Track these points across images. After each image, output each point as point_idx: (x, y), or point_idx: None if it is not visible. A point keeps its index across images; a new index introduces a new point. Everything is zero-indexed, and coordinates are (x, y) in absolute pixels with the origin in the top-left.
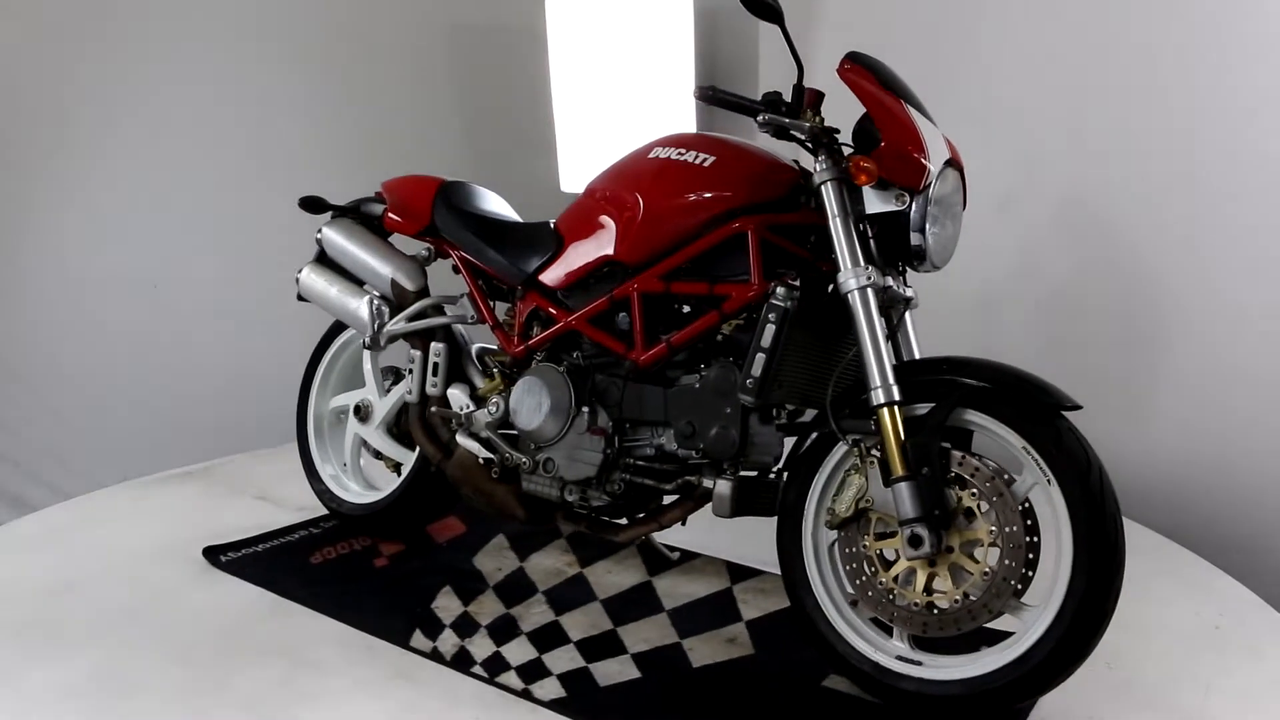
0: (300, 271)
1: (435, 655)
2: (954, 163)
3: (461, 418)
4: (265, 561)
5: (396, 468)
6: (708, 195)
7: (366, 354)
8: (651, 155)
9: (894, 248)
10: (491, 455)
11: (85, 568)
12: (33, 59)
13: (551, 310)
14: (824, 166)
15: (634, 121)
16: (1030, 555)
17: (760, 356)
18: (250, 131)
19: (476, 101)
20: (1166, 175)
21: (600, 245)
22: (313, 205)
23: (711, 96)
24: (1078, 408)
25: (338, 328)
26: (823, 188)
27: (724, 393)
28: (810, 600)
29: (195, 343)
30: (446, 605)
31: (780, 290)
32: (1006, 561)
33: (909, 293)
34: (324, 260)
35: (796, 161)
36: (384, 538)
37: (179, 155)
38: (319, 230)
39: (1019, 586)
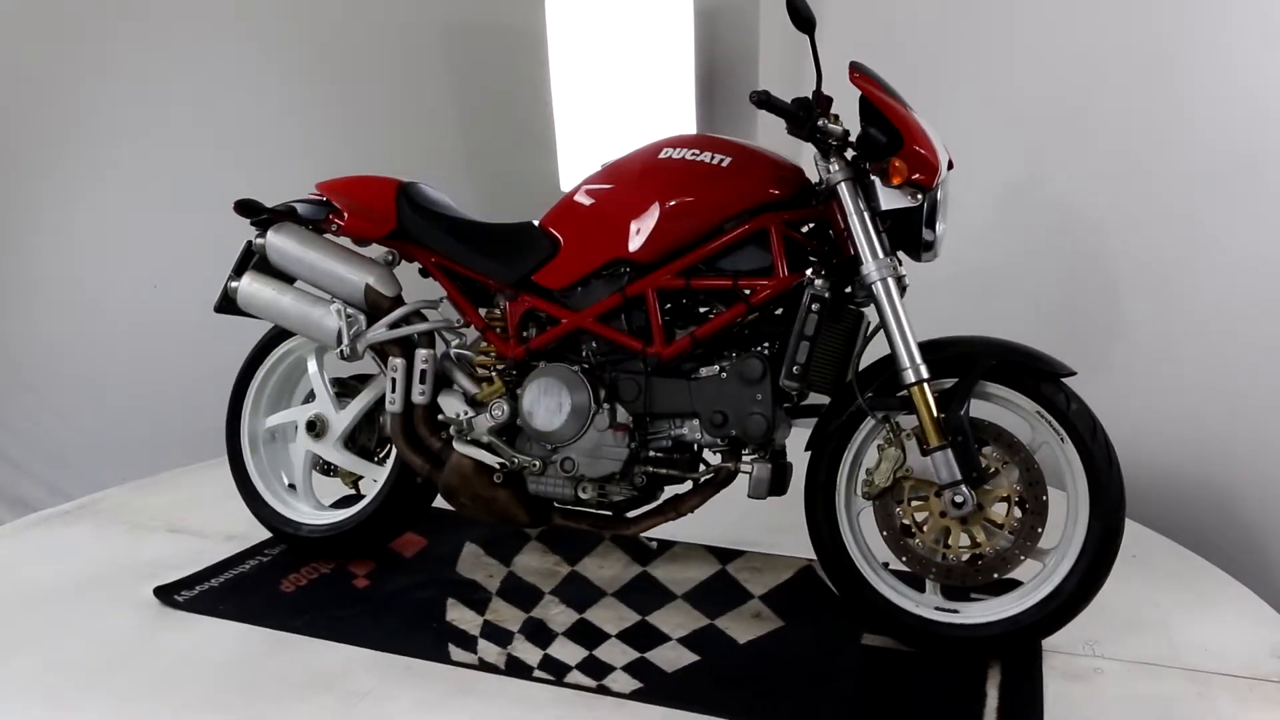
0: (237, 281)
1: (486, 666)
2: (950, 163)
3: (463, 424)
4: (229, 596)
5: (355, 484)
6: (728, 194)
7: (313, 367)
8: (662, 156)
9: (898, 240)
10: (500, 460)
11: (15, 623)
12: (35, 64)
13: (551, 311)
14: (838, 167)
15: (634, 121)
16: None
17: (805, 344)
18: (250, 133)
19: (476, 101)
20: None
21: (609, 244)
22: (250, 209)
23: (765, 102)
24: (1073, 374)
25: (273, 341)
26: (840, 187)
27: (753, 381)
28: (851, 569)
29: (195, 343)
30: (462, 617)
31: (819, 281)
32: (1030, 511)
33: (907, 281)
34: (262, 268)
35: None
36: (345, 558)
37: (179, 157)
38: (258, 235)
39: (1040, 532)
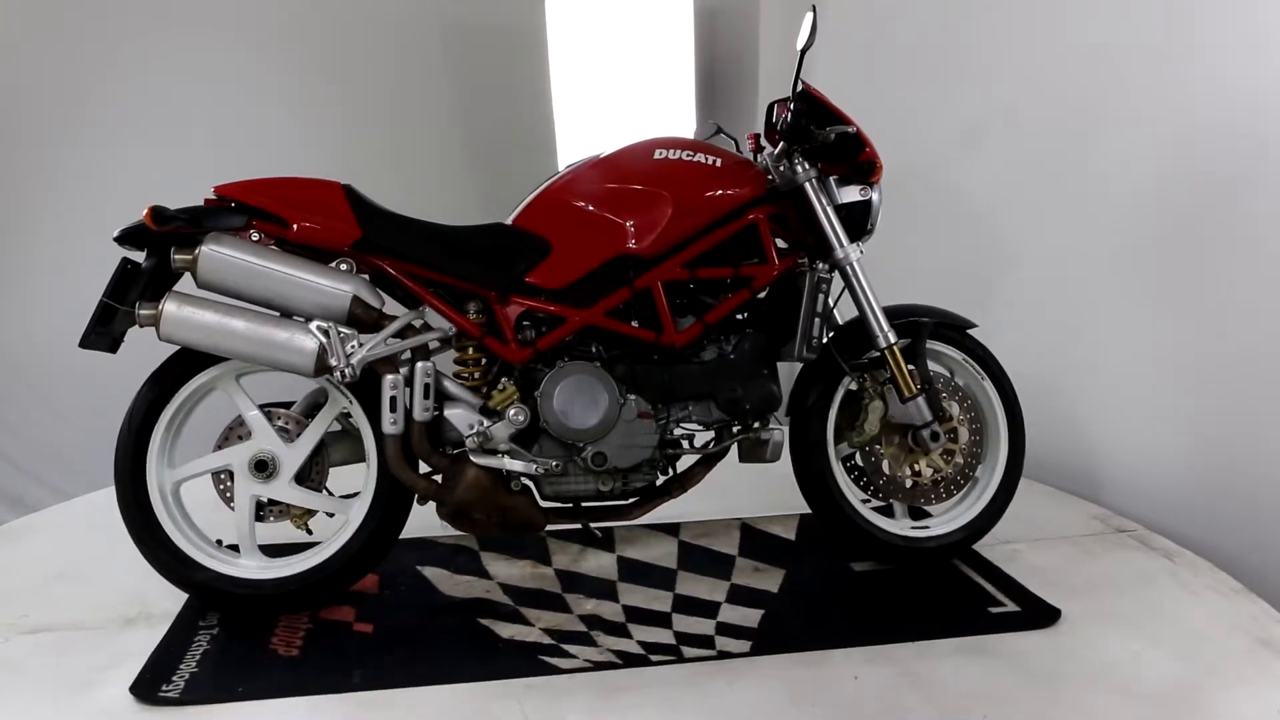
0: (152, 306)
1: (604, 666)
2: None
3: (484, 434)
4: (228, 676)
5: (305, 524)
6: (724, 192)
7: (246, 400)
8: (658, 156)
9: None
10: (522, 468)
11: None
12: (35, 61)
13: (553, 310)
14: (805, 167)
15: (634, 121)
16: None
17: (816, 320)
18: (249, 133)
19: (476, 101)
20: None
21: (610, 242)
22: (167, 218)
23: (801, 110)
24: (976, 325)
25: (184, 374)
26: (807, 185)
27: (761, 358)
28: (848, 507)
29: None
30: (517, 631)
31: (820, 264)
32: (973, 437)
33: None
34: (175, 284)
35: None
36: (314, 609)
37: (179, 157)
38: (191, 250)
39: (981, 451)
